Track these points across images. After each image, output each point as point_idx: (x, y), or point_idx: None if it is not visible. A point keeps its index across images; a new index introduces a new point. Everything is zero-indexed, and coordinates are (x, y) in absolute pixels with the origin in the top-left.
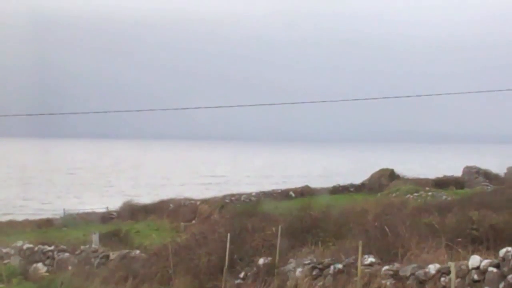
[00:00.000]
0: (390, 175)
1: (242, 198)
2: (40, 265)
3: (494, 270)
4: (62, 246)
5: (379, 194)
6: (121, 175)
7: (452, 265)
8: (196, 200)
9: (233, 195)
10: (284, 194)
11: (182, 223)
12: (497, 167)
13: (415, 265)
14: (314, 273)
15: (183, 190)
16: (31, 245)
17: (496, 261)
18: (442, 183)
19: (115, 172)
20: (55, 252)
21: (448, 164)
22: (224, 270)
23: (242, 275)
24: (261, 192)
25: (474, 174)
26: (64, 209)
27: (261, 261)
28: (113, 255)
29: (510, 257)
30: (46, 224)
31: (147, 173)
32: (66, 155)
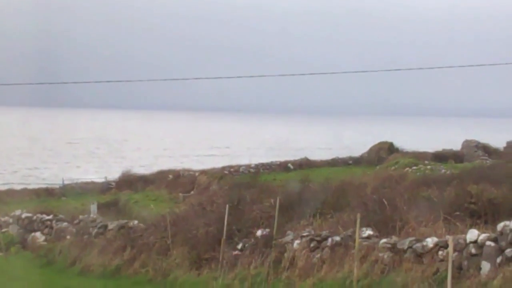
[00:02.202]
0: (389, 148)
1: (241, 170)
2: (38, 234)
3: (492, 244)
4: (60, 216)
5: (377, 167)
6: (124, 145)
7: (450, 238)
8: (195, 171)
9: (231, 166)
10: (283, 166)
11: (180, 194)
12: (497, 141)
13: (412, 238)
14: (311, 245)
15: (186, 161)
16: (29, 214)
17: (494, 235)
18: (441, 157)
19: (117, 143)
20: (53, 221)
21: (447, 137)
22: (222, 241)
23: (240, 246)
24: (260, 164)
25: (474, 148)
26: (62, 179)
27: (259, 232)
28: (111, 225)
29: (508, 231)
30: (45, 193)
31: (150, 144)
32: (69, 125)
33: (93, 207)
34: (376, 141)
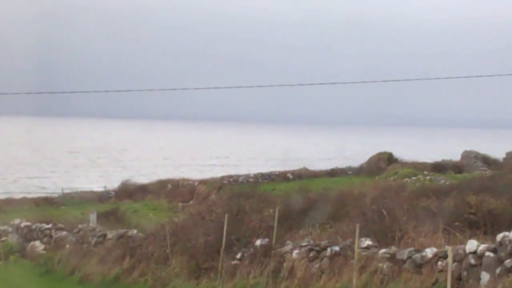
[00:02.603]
0: (388, 159)
1: (240, 179)
2: (37, 243)
3: (491, 254)
4: (60, 225)
5: (377, 177)
6: (124, 155)
7: (449, 249)
8: (194, 181)
9: (230, 176)
10: (282, 176)
11: (179, 203)
12: (496, 152)
13: (412, 248)
14: (310, 255)
15: (186, 170)
16: (29, 223)
17: (493, 246)
18: (440, 167)
19: (117, 152)
20: (52, 230)
21: (447, 148)
22: (221, 250)
23: (239, 256)
24: (259, 173)
25: (473, 158)
26: (62, 188)
27: (258, 242)
28: (110, 234)
29: (507, 242)
30: (44, 202)
31: (149, 153)
32: (70, 134)
33: (93, 216)
34: (376, 152)
